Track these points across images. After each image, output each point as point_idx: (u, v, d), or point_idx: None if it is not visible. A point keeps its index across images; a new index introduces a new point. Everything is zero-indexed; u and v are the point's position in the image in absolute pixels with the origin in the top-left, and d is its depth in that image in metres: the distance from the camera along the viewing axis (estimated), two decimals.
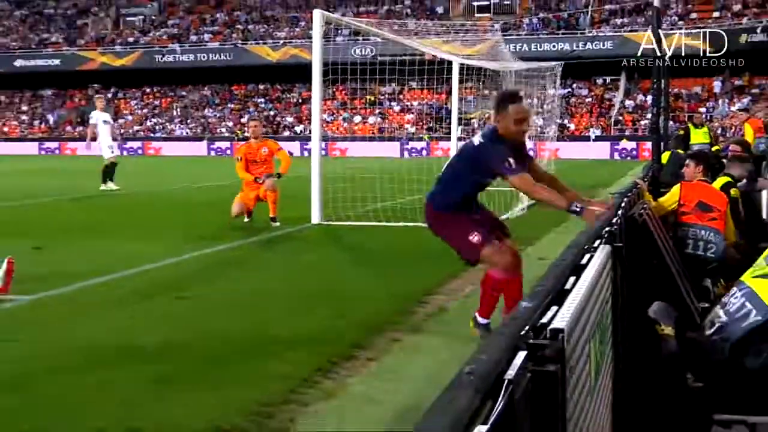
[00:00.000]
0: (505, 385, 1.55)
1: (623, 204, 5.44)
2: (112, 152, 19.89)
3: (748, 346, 3.29)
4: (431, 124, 47.93)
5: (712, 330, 3.47)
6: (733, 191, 7.78)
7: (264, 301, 7.41)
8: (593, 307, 2.44)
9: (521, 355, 1.69)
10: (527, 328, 1.86)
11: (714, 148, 15.02)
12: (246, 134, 13.08)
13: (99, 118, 20.01)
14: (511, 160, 5.40)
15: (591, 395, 2.35)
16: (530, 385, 1.70)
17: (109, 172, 19.78)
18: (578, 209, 5.21)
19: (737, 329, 3.34)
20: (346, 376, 5.13)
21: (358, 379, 5.10)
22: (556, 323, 1.94)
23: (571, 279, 2.47)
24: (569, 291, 2.31)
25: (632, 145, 46.01)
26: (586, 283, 2.39)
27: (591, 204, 5.41)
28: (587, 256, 2.83)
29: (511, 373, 1.59)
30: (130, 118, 59.79)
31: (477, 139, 5.83)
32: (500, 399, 1.50)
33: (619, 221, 4.14)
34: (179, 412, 4.46)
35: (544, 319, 2.00)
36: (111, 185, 19.67)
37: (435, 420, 1.27)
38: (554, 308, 2.09)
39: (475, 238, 5.63)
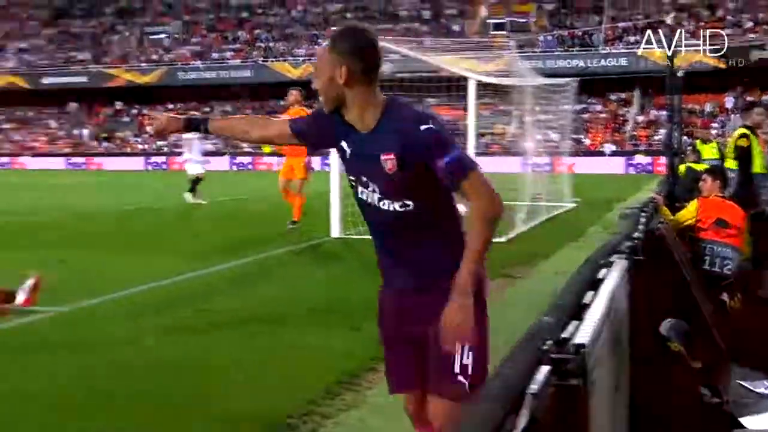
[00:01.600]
0: (529, 399, 1.56)
1: (642, 219, 5.46)
2: None
3: None
4: None
5: None
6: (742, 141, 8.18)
7: (281, 312, 7.47)
8: (611, 321, 2.47)
9: (544, 370, 1.71)
10: (550, 342, 1.89)
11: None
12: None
13: None
14: None
15: (610, 410, 2.38)
16: (553, 400, 1.71)
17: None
18: None
19: None
20: (367, 388, 5.16)
21: (378, 391, 5.10)
22: (579, 338, 1.97)
23: (590, 293, 2.48)
24: (588, 305, 2.33)
25: (647, 159, 45.84)
26: (605, 298, 2.41)
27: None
28: (603, 270, 2.84)
29: (534, 387, 1.61)
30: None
31: None
32: (523, 413, 1.50)
33: (639, 236, 4.16)
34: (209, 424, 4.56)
35: (566, 334, 2.02)
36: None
37: None
38: (575, 323, 2.11)
39: None
